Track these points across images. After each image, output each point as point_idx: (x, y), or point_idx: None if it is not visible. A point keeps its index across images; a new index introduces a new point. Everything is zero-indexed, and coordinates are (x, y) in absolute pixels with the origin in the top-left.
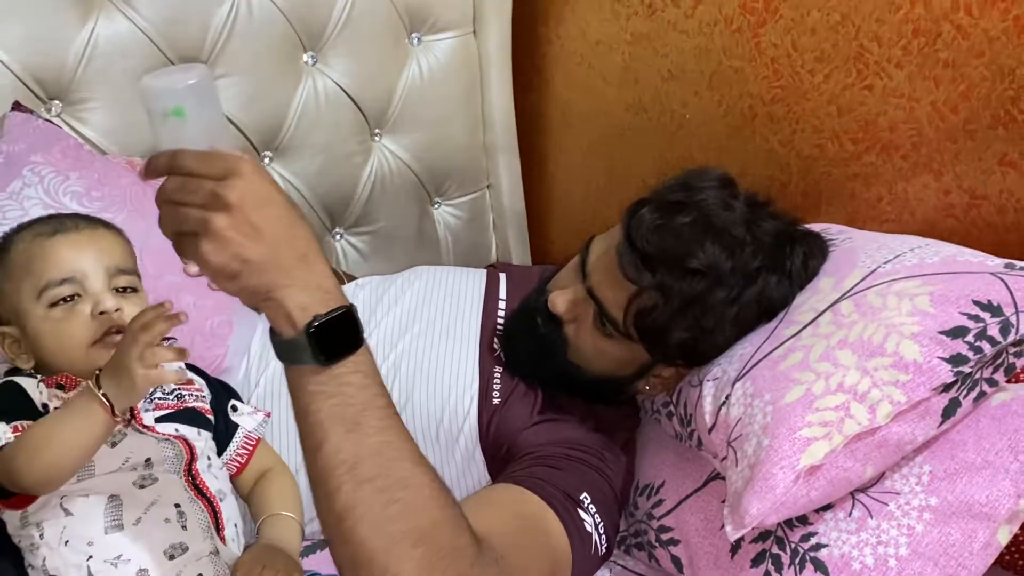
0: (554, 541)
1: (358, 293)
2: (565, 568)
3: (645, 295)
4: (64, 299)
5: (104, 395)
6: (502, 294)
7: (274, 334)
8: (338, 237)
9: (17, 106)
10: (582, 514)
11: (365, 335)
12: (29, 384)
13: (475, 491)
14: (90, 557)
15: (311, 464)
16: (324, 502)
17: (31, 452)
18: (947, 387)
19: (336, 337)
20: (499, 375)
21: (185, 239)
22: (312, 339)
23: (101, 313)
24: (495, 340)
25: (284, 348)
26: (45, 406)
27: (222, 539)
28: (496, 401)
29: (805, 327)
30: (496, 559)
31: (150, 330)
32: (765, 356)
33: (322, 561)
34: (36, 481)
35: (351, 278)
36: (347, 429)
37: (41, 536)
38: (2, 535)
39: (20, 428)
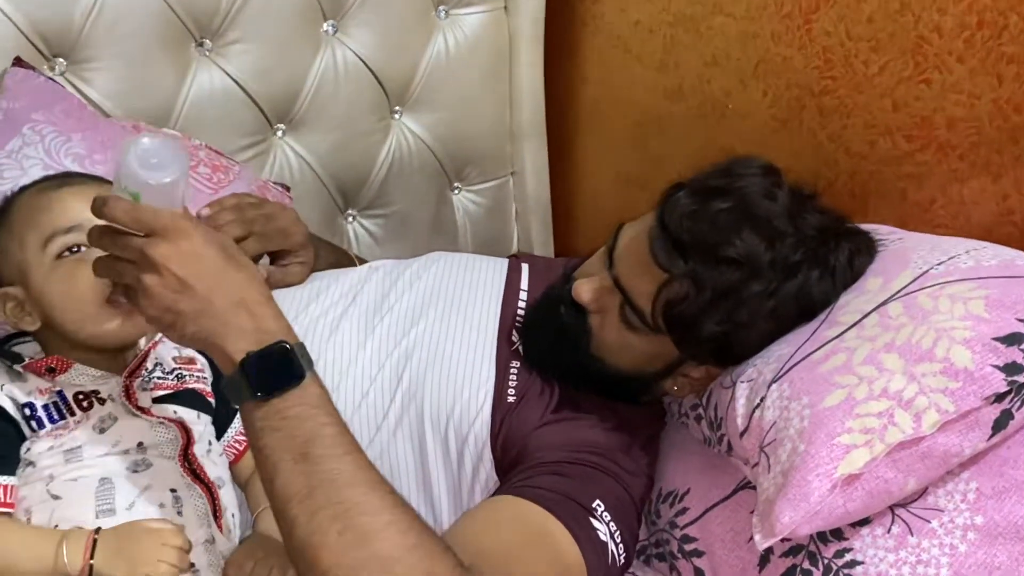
0: (563, 555)
1: (372, 275)
2: None
3: (675, 284)
4: (71, 249)
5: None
6: (524, 284)
7: (223, 378)
8: (350, 219)
9: (18, 61)
10: (595, 523)
11: (363, 338)
12: (5, 392)
13: (473, 506)
14: None
15: (270, 499)
16: (286, 536)
17: None
18: (999, 397)
19: (272, 372)
20: (516, 370)
21: (126, 288)
22: (246, 376)
23: None
24: (514, 332)
25: (228, 389)
26: (30, 406)
27: (219, 527)
28: (511, 400)
29: (849, 328)
30: None
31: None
32: (805, 357)
33: None
34: None
35: (362, 261)
36: (294, 461)
37: (28, 520)
38: None
39: None
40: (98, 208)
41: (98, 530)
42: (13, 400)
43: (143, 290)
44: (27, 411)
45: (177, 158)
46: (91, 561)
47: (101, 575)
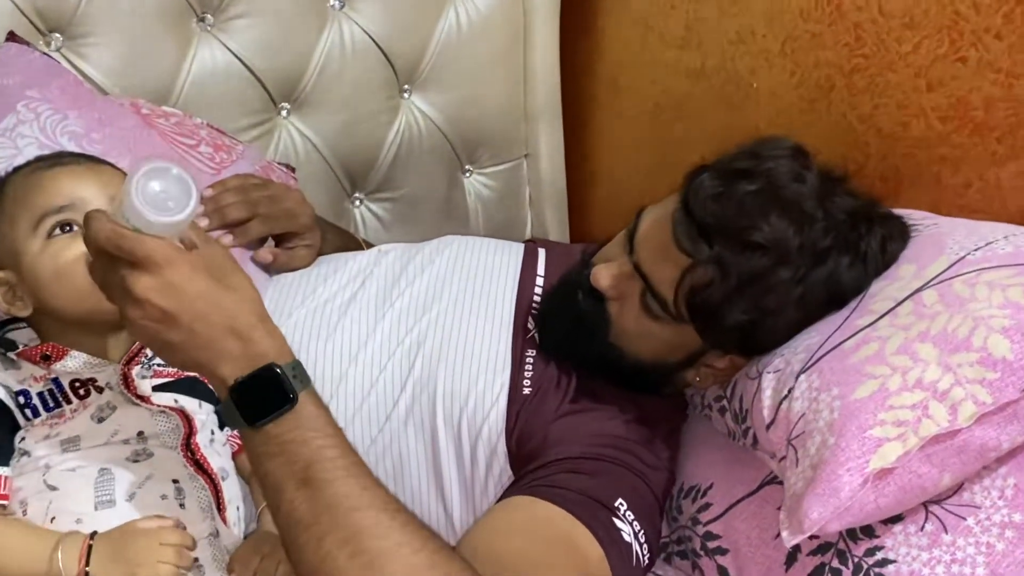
0: (587, 559)
1: (382, 259)
2: None
3: (700, 270)
4: (63, 227)
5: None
6: (540, 270)
7: (221, 403)
8: (358, 203)
9: (12, 36)
10: (618, 523)
11: (373, 324)
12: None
13: (489, 508)
14: None
15: (277, 526)
16: (296, 563)
17: None
18: None
19: (261, 398)
20: (532, 360)
21: None
22: (237, 404)
23: None
24: (530, 319)
25: (224, 416)
26: (24, 393)
27: (223, 520)
28: (527, 391)
29: (882, 317)
30: None
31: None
32: (835, 347)
33: None
34: None
35: (370, 245)
36: (297, 487)
37: (24, 512)
38: None
39: None
40: (86, 224)
41: (94, 535)
42: (6, 388)
43: (128, 321)
44: (21, 399)
45: (188, 198)
46: (87, 568)
47: None
